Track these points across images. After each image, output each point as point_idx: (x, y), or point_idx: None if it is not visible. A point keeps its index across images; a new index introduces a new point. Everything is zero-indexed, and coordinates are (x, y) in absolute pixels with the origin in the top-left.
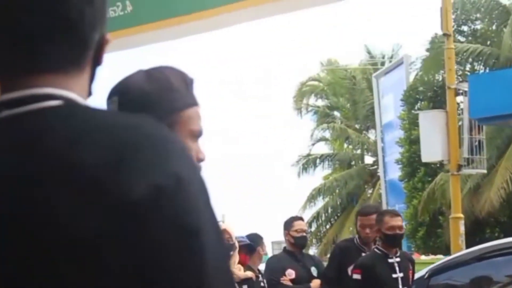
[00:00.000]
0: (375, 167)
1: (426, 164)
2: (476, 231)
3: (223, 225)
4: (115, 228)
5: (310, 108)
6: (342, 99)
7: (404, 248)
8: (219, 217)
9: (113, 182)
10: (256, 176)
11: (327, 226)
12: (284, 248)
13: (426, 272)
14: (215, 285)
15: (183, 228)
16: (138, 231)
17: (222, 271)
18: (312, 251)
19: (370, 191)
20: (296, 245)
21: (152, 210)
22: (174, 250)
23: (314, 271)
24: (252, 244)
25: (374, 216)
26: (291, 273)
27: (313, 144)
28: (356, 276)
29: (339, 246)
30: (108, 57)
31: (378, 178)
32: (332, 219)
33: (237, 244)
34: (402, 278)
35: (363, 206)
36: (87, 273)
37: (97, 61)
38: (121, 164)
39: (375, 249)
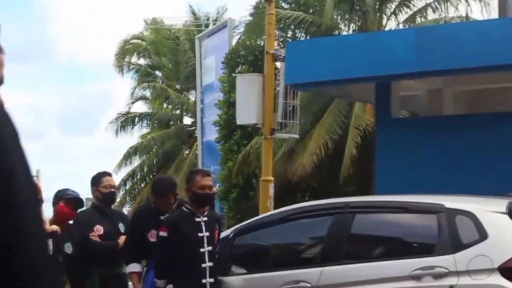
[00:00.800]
0: (193, 128)
1: (243, 127)
2: (288, 194)
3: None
4: None
5: (131, 67)
6: (165, 59)
7: (217, 209)
8: (33, 172)
9: None
10: (72, 133)
11: (142, 185)
12: (93, 203)
13: (231, 232)
14: (29, 222)
15: None
16: None
17: (34, 208)
18: (126, 209)
19: (187, 152)
20: (105, 201)
21: None
22: None
23: (122, 227)
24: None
25: (169, 196)
26: (99, 229)
27: (132, 103)
28: (163, 234)
29: (134, 219)
30: None
31: (196, 139)
32: (147, 178)
33: (44, 199)
34: (207, 237)
35: (157, 181)
36: None
37: None
38: None
39: (184, 208)
